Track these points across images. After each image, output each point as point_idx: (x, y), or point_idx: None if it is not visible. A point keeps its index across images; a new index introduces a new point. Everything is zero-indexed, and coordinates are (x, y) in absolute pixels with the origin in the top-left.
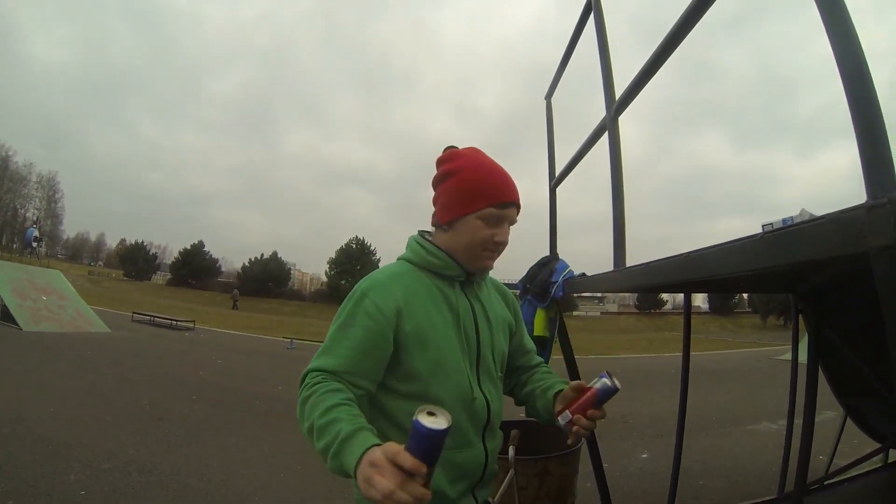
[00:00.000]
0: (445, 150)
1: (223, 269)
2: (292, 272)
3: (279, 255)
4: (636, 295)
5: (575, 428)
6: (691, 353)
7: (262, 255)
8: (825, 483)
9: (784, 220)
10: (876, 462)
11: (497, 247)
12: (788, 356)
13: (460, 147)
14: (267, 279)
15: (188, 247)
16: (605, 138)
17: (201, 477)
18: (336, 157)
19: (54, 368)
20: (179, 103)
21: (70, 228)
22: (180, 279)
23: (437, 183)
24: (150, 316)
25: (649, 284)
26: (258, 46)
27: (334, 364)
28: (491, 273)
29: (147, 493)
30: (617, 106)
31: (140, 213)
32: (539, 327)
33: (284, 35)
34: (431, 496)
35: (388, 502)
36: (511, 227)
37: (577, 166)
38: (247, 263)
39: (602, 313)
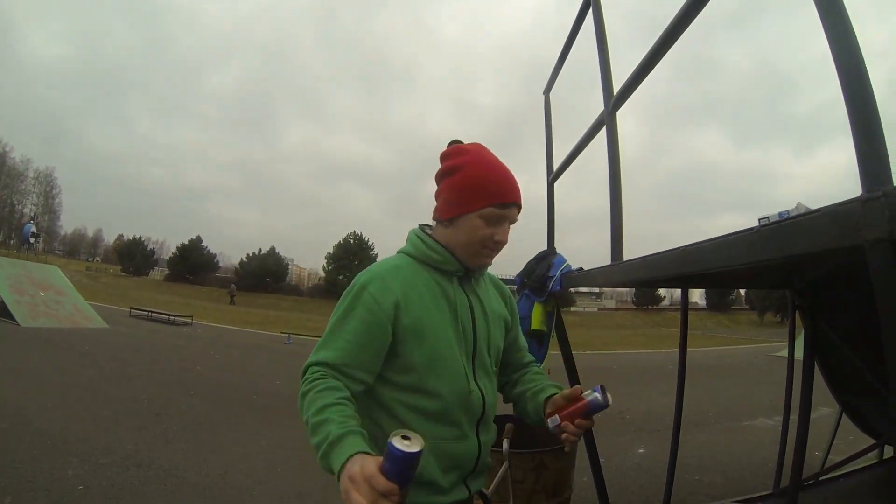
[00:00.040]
0: (450, 144)
1: (221, 264)
2: (290, 267)
3: (277, 251)
4: (634, 291)
5: (564, 435)
6: (688, 350)
7: (260, 250)
8: (820, 479)
9: (780, 214)
10: (871, 458)
11: (496, 245)
12: (785, 353)
13: (465, 142)
14: (265, 274)
15: (186, 242)
16: (603, 133)
17: (199, 472)
18: (334, 151)
19: (52, 364)
20: (177, 98)
21: (67, 224)
22: (178, 274)
23: (439, 178)
24: (148, 311)
25: (647, 278)
26: (256, 41)
27: (334, 357)
28: (489, 268)
29: (145, 488)
30: (615, 101)
31: (138, 209)
32: (536, 322)
33: (283, 30)
34: (420, 489)
35: None
36: (511, 226)
37: (576, 162)
38: (244, 259)
39: (599, 309)
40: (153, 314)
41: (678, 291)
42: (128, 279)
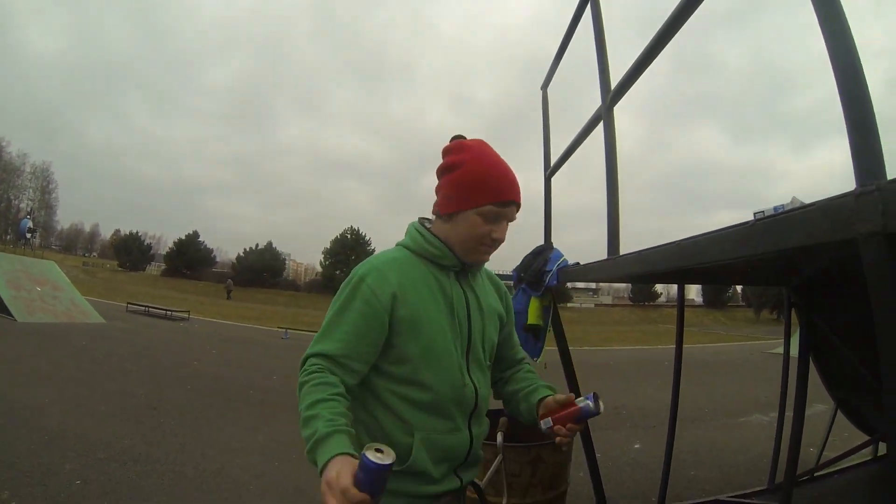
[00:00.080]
0: (453, 139)
1: (218, 259)
2: (287, 262)
3: (274, 246)
4: (630, 287)
5: (557, 439)
6: (684, 346)
7: (257, 245)
8: (815, 475)
9: (775, 208)
10: (865, 455)
11: (494, 243)
12: (781, 350)
13: (468, 137)
14: (262, 269)
15: (183, 237)
16: (600, 129)
17: (197, 466)
18: (332, 146)
19: (49, 359)
20: (175, 92)
21: (64, 219)
22: (175, 270)
23: (440, 173)
24: (145, 306)
25: (643, 272)
26: (254, 35)
27: (333, 348)
28: (486, 264)
29: (142, 482)
30: (612, 96)
31: (135, 204)
32: (533, 316)
33: (281, 24)
34: (412, 478)
35: None
36: (509, 224)
37: (573, 158)
38: (241, 253)
39: (596, 305)
40: (150, 309)
41: (675, 288)
42: (124, 274)
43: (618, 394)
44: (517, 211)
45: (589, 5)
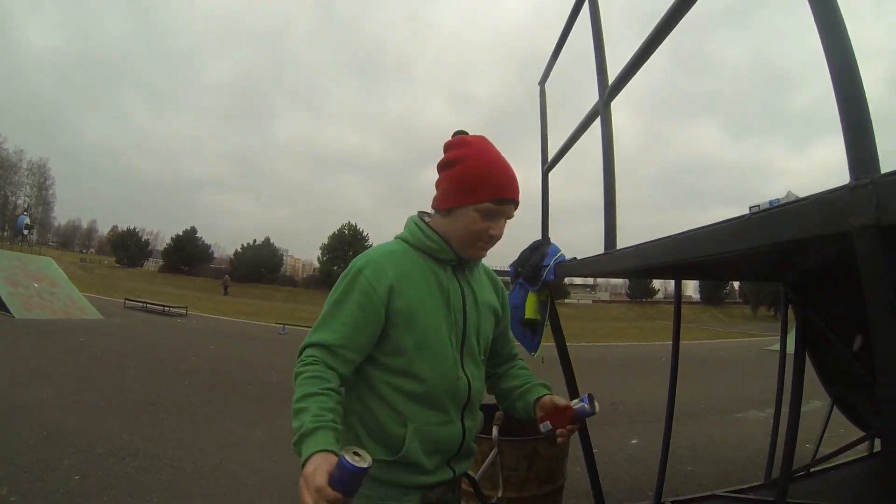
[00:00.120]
0: (454, 134)
1: (216, 255)
2: (285, 258)
3: (272, 241)
4: (628, 284)
5: (560, 440)
6: (682, 342)
7: (255, 241)
8: (811, 471)
9: (771, 202)
10: (861, 451)
11: (491, 239)
12: (778, 346)
13: (470, 133)
14: (259, 265)
15: (180, 233)
16: (597, 124)
17: (195, 461)
18: (330, 142)
19: (47, 355)
20: (172, 89)
21: (61, 215)
22: (172, 265)
23: (441, 168)
24: (143, 302)
25: (640, 267)
26: (252, 31)
27: (331, 339)
28: (483, 259)
29: (141, 477)
30: (609, 91)
31: (132, 200)
32: (530, 310)
33: (279, 20)
34: (405, 469)
35: None
36: (507, 221)
37: (571, 156)
38: (239, 249)
39: (594, 301)
40: (148, 305)
41: (672, 284)
42: (122, 270)
43: (615, 390)
44: (515, 209)
45: (587, 0)
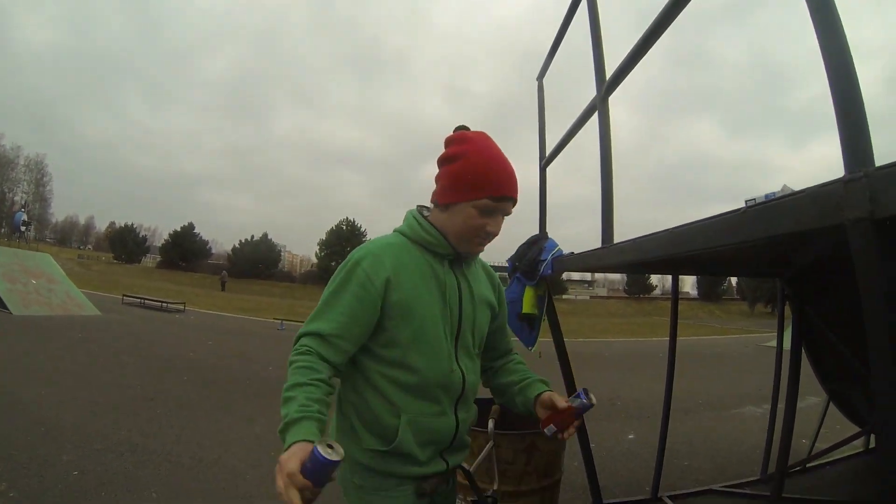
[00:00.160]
0: (456, 129)
1: (213, 251)
2: (282, 254)
3: (269, 237)
4: (626, 280)
5: (565, 435)
6: (679, 338)
7: (253, 236)
8: (807, 466)
9: (766, 196)
10: (857, 447)
11: (488, 235)
12: (774, 343)
13: (471, 129)
14: (257, 261)
15: (178, 229)
16: (595, 119)
17: (193, 456)
18: (327, 138)
19: (45, 352)
20: (170, 84)
21: (59, 212)
22: (170, 261)
23: (441, 163)
24: (140, 298)
25: (636, 260)
26: (249, 26)
27: (326, 328)
28: (481, 254)
29: (139, 472)
30: (607, 86)
31: (130, 196)
32: (528, 305)
33: (276, 15)
34: (399, 459)
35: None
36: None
37: (569, 153)
38: (237, 245)
39: (592, 297)
40: (145, 301)
41: (670, 280)
42: (120, 266)
43: (613, 385)
44: (514, 206)
45: None
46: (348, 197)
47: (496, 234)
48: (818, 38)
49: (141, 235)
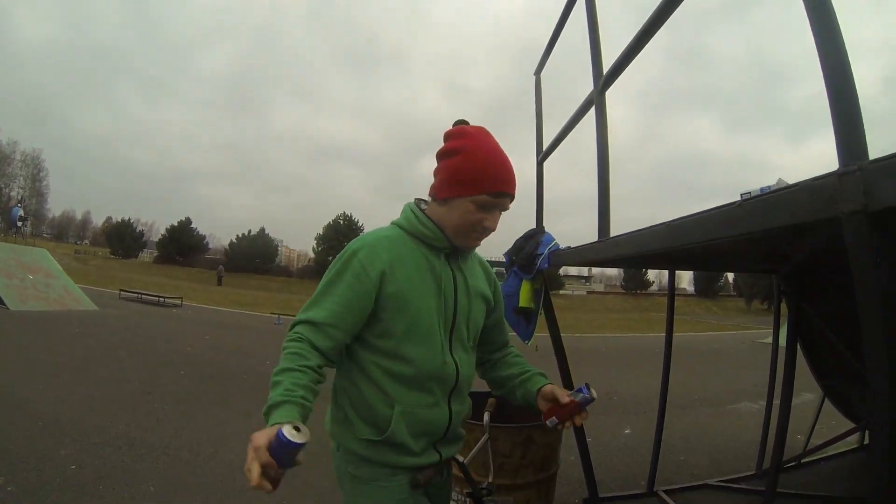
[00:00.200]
0: (455, 123)
1: (211, 245)
2: (280, 249)
3: (267, 232)
4: (623, 275)
5: (567, 425)
6: (676, 334)
7: (250, 231)
8: (802, 461)
9: (762, 189)
10: (852, 443)
11: (485, 231)
12: (771, 339)
13: (471, 123)
14: (254, 256)
15: (175, 224)
16: (592, 114)
17: (191, 450)
18: (325, 133)
19: (43, 346)
20: (167, 79)
21: (55, 207)
22: (167, 256)
23: (440, 157)
24: (138, 293)
25: (633, 254)
26: (247, 21)
27: (321, 317)
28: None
29: (137, 466)
30: (605, 80)
31: (127, 191)
32: (525, 299)
33: (273, 10)
34: (392, 449)
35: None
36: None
37: (567, 147)
38: (234, 240)
39: (588, 293)
40: (143, 296)
41: (667, 276)
42: (117, 261)
43: (609, 380)
44: (511, 202)
45: None
46: (346, 192)
47: (493, 230)
48: (813, 33)
49: (138, 230)
